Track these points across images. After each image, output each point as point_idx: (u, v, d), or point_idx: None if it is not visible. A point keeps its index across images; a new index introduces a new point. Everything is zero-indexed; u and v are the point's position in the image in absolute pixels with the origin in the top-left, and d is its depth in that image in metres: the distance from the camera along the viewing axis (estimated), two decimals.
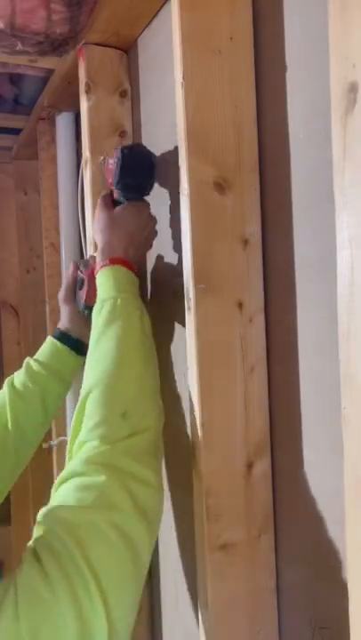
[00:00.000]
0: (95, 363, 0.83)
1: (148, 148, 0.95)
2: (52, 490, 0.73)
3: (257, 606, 0.77)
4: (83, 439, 0.76)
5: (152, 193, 0.96)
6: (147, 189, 0.98)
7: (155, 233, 0.99)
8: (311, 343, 0.70)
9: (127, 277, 0.91)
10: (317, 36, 0.65)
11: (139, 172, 0.96)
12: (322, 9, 0.63)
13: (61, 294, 1.12)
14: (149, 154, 0.96)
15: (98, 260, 0.94)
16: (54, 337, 1.10)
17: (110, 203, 0.98)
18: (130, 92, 1.12)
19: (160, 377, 0.86)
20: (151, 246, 1.02)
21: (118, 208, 0.96)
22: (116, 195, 0.98)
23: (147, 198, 0.98)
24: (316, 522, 0.71)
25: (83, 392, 0.81)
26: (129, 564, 0.66)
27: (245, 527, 0.77)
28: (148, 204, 0.99)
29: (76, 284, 1.11)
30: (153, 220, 0.98)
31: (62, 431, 1.45)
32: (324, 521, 0.69)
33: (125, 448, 0.74)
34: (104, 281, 0.91)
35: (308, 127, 0.68)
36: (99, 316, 0.87)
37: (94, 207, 1.09)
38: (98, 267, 0.93)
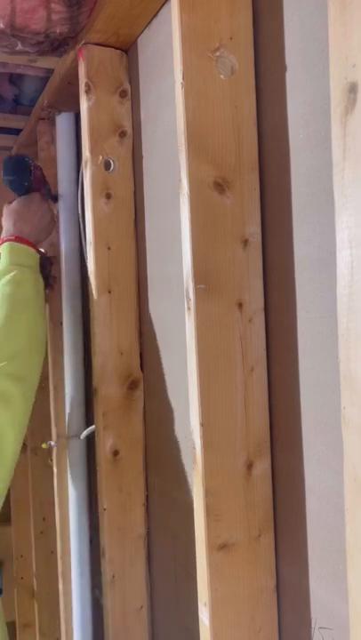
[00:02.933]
0: None
1: (149, 148, 0.95)
2: None
3: (257, 606, 0.77)
4: None
5: (150, 192, 0.96)
6: (26, 185, 1.26)
7: (50, 215, 1.28)
8: (311, 343, 0.70)
9: (21, 250, 1.17)
10: (317, 36, 0.65)
11: (12, 171, 1.26)
12: (322, 9, 0.63)
13: None
14: (23, 156, 1.28)
15: None
16: None
17: (10, 201, 1.27)
18: (130, 91, 1.12)
19: (160, 377, 0.86)
20: (53, 227, 1.32)
21: (14, 201, 1.25)
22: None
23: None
24: (316, 522, 0.71)
25: None
26: None
27: (245, 527, 0.77)
28: (38, 195, 1.27)
29: None
30: (44, 206, 1.26)
31: (62, 431, 1.45)
32: (325, 521, 0.69)
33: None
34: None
35: (308, 127, 0.68)
36: None
37: (94, 207, 1.09)
38: None
